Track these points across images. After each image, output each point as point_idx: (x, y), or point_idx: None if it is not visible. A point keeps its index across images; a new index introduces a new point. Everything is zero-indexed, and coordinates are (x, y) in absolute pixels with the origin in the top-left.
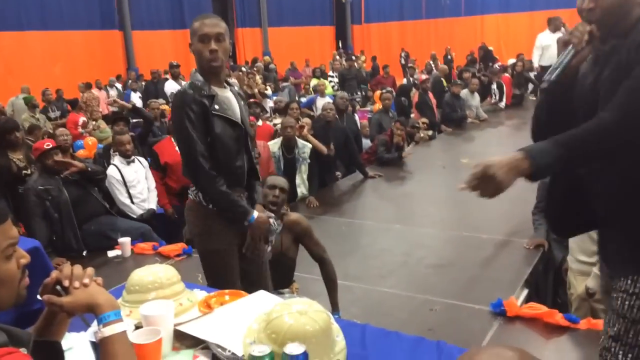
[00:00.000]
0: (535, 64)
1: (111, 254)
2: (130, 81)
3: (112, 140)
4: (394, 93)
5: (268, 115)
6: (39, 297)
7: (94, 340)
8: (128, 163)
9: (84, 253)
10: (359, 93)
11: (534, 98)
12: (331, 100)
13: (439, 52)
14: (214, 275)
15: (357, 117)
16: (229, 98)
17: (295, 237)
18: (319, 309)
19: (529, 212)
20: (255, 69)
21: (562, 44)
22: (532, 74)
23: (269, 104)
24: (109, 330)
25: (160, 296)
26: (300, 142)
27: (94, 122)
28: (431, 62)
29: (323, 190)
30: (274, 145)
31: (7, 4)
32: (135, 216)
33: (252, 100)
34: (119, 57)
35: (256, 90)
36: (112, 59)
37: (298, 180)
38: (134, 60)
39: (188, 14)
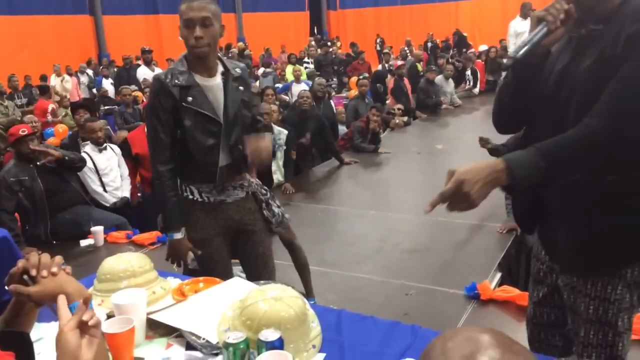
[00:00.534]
0: (510, 52)
1: (83, 243)
2: (101, 67)
3: (79, 128)
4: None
5: None
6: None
7: None
8: (100, 151)
9: (54, 242)
10: (334, 79)
11: None
12: (307, 87)
13: (417, 39)
14: (201, 265)
15: (333, 103)
16: (213, 88)
17: None
18: (294, 295)
19: (502, 197)
20: (229, 55)
21: (536, 21)
22: (504, 60)
23: None
24: None
25: (132, 284)
26: (276, 128)
27: (64, 110)
28: (406, 48)
29: (299, 177)
30: None
31: None
32: (108, 204)
33: None
34: (89, 43)
35: None
36: (82, 45)
37: (274, 167)
38: (105, 46)
39: None
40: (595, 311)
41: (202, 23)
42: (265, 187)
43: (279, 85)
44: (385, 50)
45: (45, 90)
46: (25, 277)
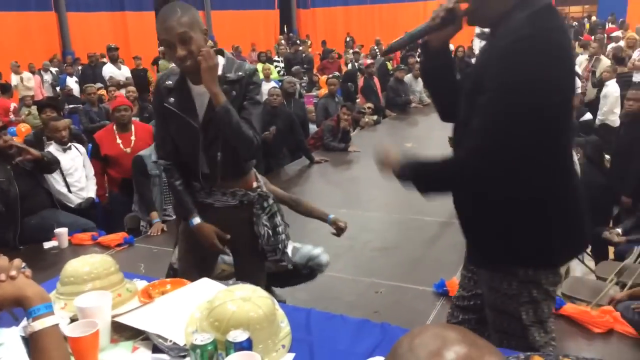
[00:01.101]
0: (476, 51)
1: (47, 245)
2: (65, 65)
3: (44, 127)
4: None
5: None
6: None
7: (24, 335)
8: (64, 150)
9: (20, 247)
10: (304, 78)
11: None
12: (277, 85)
13: (387, 38)
14: (192, 251)
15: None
16: (204, 94)
17: None
18: (263, 295)
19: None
20: None
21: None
22: (472, 60)
23: None
24: (39, 324)
25: (97, 287)
26: None
27: (27, 109)
28: (376, 47)
29: (269, 176)
30: None
31: None
32: (72, 205)
33: None
34: (54, 40)
35: None
36: (46, 42)
37: None
38: (70, 44)
39: None
40: (497, 301)
41: (181, 41)
42: (272, 202)
43: None
44: (355, 49)
45: (6, 89)
46: None
